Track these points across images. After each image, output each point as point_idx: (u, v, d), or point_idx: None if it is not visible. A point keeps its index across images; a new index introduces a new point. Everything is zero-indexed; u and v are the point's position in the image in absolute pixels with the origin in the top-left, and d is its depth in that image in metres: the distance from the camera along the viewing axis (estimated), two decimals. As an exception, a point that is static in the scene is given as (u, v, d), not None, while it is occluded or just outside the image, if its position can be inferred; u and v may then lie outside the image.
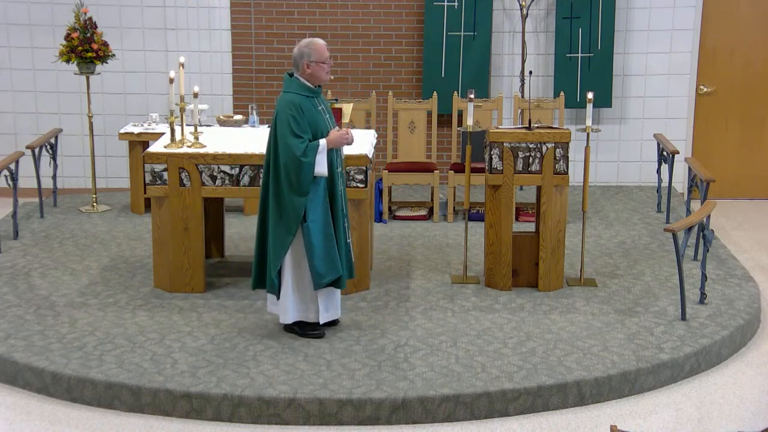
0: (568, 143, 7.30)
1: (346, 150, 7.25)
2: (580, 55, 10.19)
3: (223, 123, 9.19)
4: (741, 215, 10.11)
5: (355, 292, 7.35)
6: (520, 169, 7.33)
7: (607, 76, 10.24)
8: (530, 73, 8.02)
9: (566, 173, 7.33)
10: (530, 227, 8.75)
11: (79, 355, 6.30)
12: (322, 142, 6.31)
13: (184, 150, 7.27)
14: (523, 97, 10.02)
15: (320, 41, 6.39)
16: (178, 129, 7.70)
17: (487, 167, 7.37)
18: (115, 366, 6.15)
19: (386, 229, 9.04)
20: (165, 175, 7.21)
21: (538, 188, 7.38)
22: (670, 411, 6.02)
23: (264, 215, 6.48)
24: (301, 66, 6.33)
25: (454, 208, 9.42)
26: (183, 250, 7.31)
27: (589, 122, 7.40)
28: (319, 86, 6.47)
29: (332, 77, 6.51)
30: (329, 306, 6.61)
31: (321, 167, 6.30)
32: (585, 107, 7.85)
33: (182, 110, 7.51)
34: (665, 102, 10.47)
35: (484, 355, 6.35)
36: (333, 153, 6.45)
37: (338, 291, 6.65)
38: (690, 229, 6.94)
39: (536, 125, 7.45)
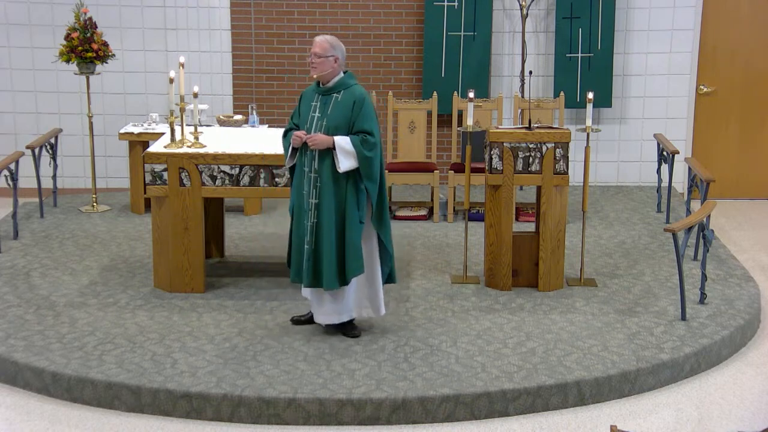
0: (568, 143, 7.30)
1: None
2: (580, 55, 10.19)
3: (223, 123, 9.19)
4: (741, 215, 10.11)
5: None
6: (520, 169, 7.33)
7: (607, 76, 10.24)
8: (530, 73, 8.02)
9: (566, 173, 7.33)
10: (530, 227, 8.76)
11: (79, 355, 6.30)
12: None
13: (184, 150, 7.27)
14: (523, 97, 10.02)
15: (316, 37, 6.41)
16: (178, 129, 7.70)
17: (487, 167, 7.37)
18: (115, 366, 6.15)
19: (386, 229, 9.03)
20: (165, 175, 7.21)
21: (538, 188, 7.38)
22: (670, 411, 6.02)
23: None
24: None
25: (454, 208, 9.42)
26: (183, 250, 7.31)
27: (589, 122, 7.40)
28: (326, 86, 6.40)
29: (314, 75, 6.39)
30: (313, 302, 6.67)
31: (287, 153, 6.53)
32: (585, 107, 7.85)
33: (182, 110, 7.51)
34: (665, 102, 10.47)
35: (484, 355, 6.35)
36: (305, 153, 6.40)
37: (312, 290, 6.57)
38: (690, 229, 6.94)
39: (536, 125, 7.45)
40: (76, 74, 9.35)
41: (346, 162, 6.28)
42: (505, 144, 7.29)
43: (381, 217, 6.44)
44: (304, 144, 6.37)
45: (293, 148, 6.46)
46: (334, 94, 6.39)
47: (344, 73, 6.43)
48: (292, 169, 6.59)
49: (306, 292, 6.64)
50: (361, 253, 6.39)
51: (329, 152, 6.32)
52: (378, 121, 6.44)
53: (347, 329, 6.63)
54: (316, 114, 6.39)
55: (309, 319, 6.77)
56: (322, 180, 6.35)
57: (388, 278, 6.65)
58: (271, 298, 7.26)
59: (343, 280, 6.43)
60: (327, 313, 6.56)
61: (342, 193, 6.34)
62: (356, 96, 6.35)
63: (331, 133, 6.32)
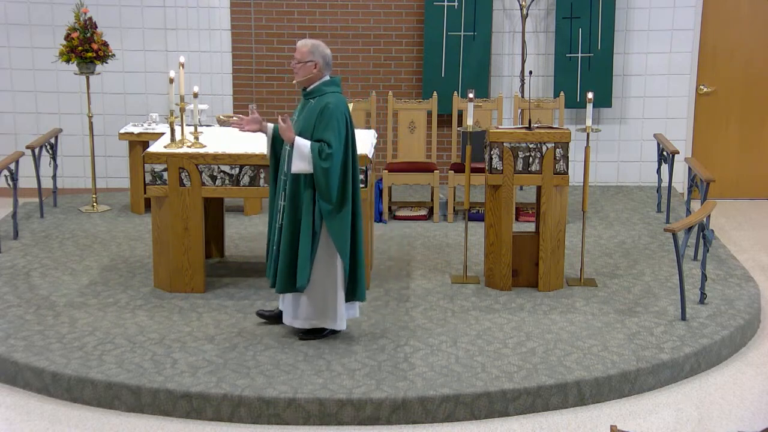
0: (568, 143, 7.30)
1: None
2: (580, 55, 10.19)
3: (223, 123, 9.19)
4: (741, 215, 10.11)
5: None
6: (520, 169, 7.33)
7: (607, 76, 10.24)
8: (530, 73, 8.02)
9: (566, 173, 7.33)
10: (530, 227, 8.76)
11: (79, 355, 6.30)
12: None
13: (184, 150, 7.27)
14: (523, 97, 10.02)
15: (299, 41, 6.41)
16: (178, 129, 7.70)
17: (487, 167, 7.37)
18: (115, 366, 6.15)
19: (386, 229, 9.04)
20: (165, 175, 7.21)
21: (538, 188, 7.38)
22: (670, 411, 6.02)
23: None
24: None
25: (454, 208, 9.42)
26: (183, 250, 7.31)
27: (589, 122, 7.40)
28: (306, 88, 6.39)
29: (294, 82, 6.42)
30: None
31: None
32: (585, 107, 7.85)
33: (182, 110, 7.51)
34: (665, 102, 10.47)
35: (484, 355, 6.35)
36: (282, 156, 6.45)
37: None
38: (690, 229, 6.94)
39: (536, 125, 7.45)
40: (76, 74, 9.35)
41: (297, 164, 6.20)
42: (505, 144, 7.29)
43: (355, 247, 6.42)
44: (282, 148, 6.43)
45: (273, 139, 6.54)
46: (311, 100, 6.36)
47: (330, 77, 6.37)
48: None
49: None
50: (308, 262, 6.29)
51: None
52: (346, 135, 6.28)
53: (302, 333, 6.60)
54: (295, 117, 6.44)
55: (273, 317, 6.75)
56: (288, 183, 6.32)
57: (355, 295, 6.51)
58: (271, 298, 7.25)
59: (293, 287, 6.37)
60: (286, 315, 6.56)
61: (300, 199, 6.29)
62: (324, 103, 6.25)
63: None
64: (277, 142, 6.52)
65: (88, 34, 9.12)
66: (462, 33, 10.20)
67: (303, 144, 6.19)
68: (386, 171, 9.33)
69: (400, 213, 9.40)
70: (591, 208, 9.67)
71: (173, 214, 7.26)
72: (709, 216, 7.19)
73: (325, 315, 6.48)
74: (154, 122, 9.57)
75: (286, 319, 6.56)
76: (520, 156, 7.31)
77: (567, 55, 10.20)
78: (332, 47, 10.32)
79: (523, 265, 7.50)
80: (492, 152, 7.32)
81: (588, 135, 7.49)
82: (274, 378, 6.00)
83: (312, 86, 6.36)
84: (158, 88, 10.38)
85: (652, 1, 10.29)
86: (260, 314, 6.80)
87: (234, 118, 6.53)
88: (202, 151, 7.25)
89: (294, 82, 6.39)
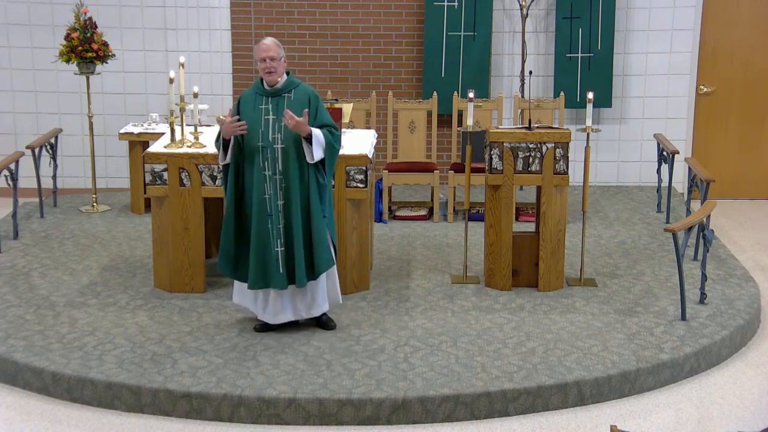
0: (568, 143, 7.30)
1: (347, 150, 7.24)
2: (580, 55, 10.19)
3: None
4: (741, 215, 10.11)
5: (355, 292, 7.36)
6: (520, 169, 7.33)
7: (607, 76, 10.24)
8: (530, 73, 8.02)
9: (566, 173, 7.34)
10: (530, 227, 8.76)
11: (79, 355, 6.30)
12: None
13: (184, 150, 7.27)
14: (523, 97, 10.02)
15: (263, 42, 6.37)
16: (178, 129, 7.70)
17: (487, 167, 7.37)
18: (115, 366, 6.15)
19: (386, 229, 9.04)
20: (165, 175, 7.21)
21: (538, 188, 7.38)
22: (670, 411, 6.02)
23: None
24: None
25: (454, 208, 9.42)
26: (183, 250, 7.31)
27: (589, 122, 7.40)
28: (274, 87, 6.38)
29: (277, 80, 6.39)
30: (263, 306, 6.61)
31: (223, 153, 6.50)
32: (585, 107, 7.86)
33: (182, 110, 7.51)
34: (665, 102, 10.47)
35: (484, 355, 6.35)
36: (265, 156, 6.35)
37: (273, 292, 6.53)
38: (690, 229, 6.95)
39: (536, 125, 7.45)
40: (76, 74, 9.35)
41: (318, 152, 6.34)
42: (505, 144, 7.29)
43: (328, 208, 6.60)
44: (262, 148, 6.33)
45: (229, 148, 6.41)
46: (285, 94, 6.40)
47: (287, 73, 6.46)
48: (226, 168, 6.53)
49: (246, 300, 6.65)
50: (329, 246, 6.50)
51: (294, 152, 6.34)
52: None
53: (322, 322, 6.70)
54: (270, 116, 6.36)
55: (274, 324, 6.71)
56: (287, 180, 6.37)
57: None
58: (271, 298, 7.25)
59: (312, 275, 6.49)
60: (299, 309, 6.62)
61: (306, 190, 6.39)
62: (309, 92, 6.41)
63: (290, 132, 6.32)
64: (236, 149, 6.45)
65: (88, 34, 9.12)
66: (462, 33, 10.20)
67: (318, 133, 6.34)
68: (386, 171, 9.33)
69: (400, 213, 9.40)
70: (591, 208, 9.67)
71: (173, 214, 7.26)
72: (709, 216, 7.19)
73: (332, 294, 6.72)
74: (154, 122, 9.57)
75: (308, 313, 6.62)
76: (520, 156, 7.31)
77: (567, 55, 10.20)
78: (332, 47, 10.35)
79: (523, 265, 7.50)
80: (492, 152, 7.32)
81: (588, 135, 7.49)
82: (274, 378, 6.01)
83: (282, 82, 6.41)
84: (158, 88, 10.38)
85: (652, 1, 10.29)
86: (259, 330, 6.73)
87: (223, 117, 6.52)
88: (202, 151, 7.25)
89: (277, 79, 6.37)
